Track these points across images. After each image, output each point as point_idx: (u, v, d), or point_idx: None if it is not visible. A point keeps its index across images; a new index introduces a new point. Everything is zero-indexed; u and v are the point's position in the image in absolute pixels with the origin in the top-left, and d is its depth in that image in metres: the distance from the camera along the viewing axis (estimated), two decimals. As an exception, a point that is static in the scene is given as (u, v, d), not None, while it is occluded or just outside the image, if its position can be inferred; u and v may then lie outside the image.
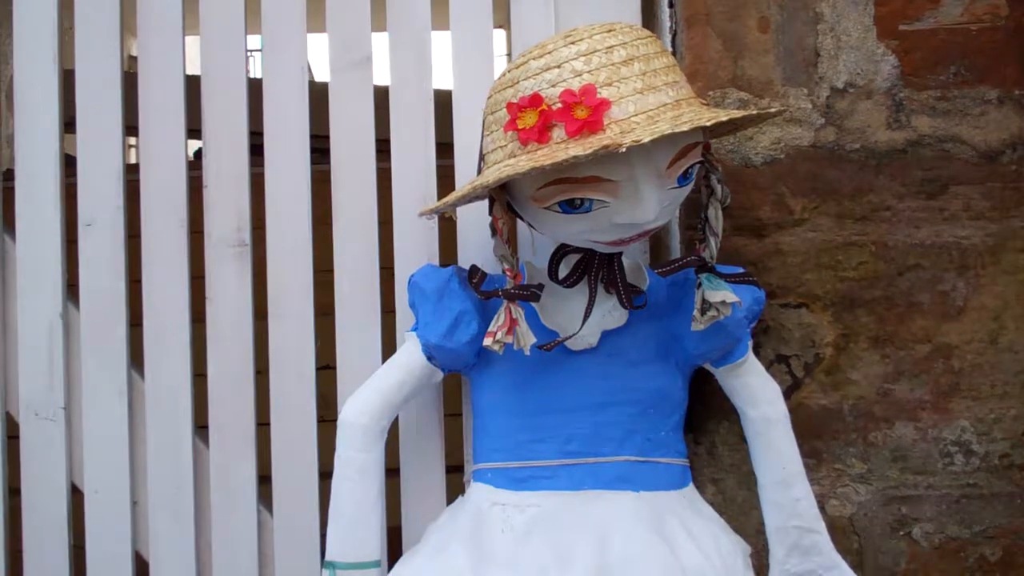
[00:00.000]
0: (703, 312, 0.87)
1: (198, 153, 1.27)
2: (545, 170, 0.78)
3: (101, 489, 1.13)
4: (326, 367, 1.11)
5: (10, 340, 1.15)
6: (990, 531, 1.05)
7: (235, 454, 1.12)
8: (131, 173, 1.14)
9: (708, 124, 0.79)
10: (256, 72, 1.43)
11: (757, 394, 0.97)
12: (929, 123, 1.06)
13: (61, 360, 1.14)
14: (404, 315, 1.08)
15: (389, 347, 1.05)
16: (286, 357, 1.11)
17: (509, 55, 1.12)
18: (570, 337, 0.91)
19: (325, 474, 1.00)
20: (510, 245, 0.89)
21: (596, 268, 0.92)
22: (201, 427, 1.14)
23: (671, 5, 1.10)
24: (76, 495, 1.14)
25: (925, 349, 1.06)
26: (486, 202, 0.94)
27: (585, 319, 0.91)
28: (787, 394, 1.02)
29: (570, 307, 0.94)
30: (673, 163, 0.82)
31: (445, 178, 1.10)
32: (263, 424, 1.12)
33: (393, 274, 1.10)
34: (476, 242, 1.08)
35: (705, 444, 1.07)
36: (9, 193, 1.15)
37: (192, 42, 1.13)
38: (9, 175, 1.18)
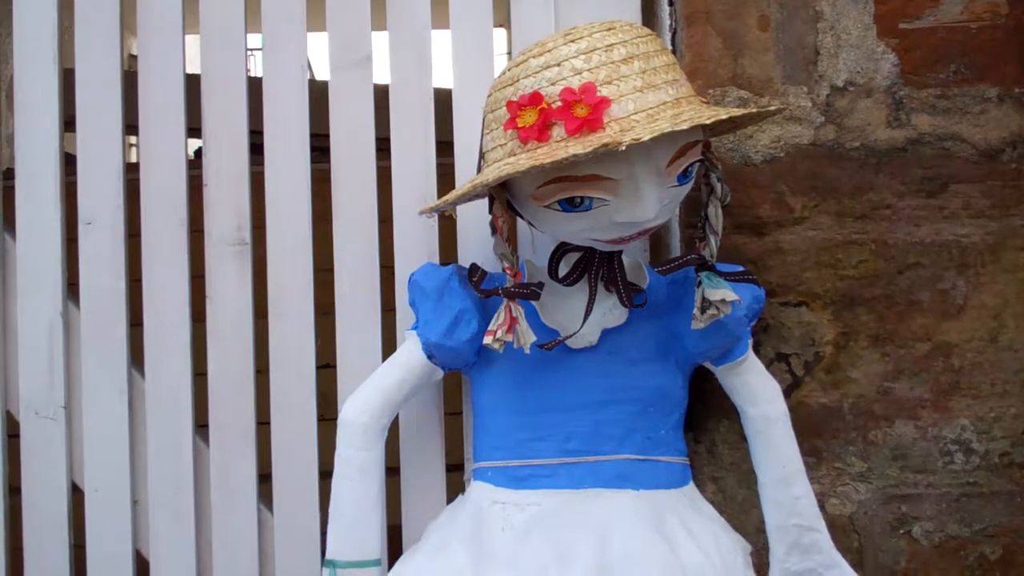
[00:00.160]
0: (703, 310, 0.87)
1: (198, 152, 1.27)
2: (545, 168, 0.78)
3: (101, 488, 1.13)
4: (326, 366, 1.11)
5: (10, 339, 1.15)
6: (990, 529, 1.05)
7: (235, 453, 1.12)
8: (131, 172, 1.14)
9: (708, 122, 0.79)
10: (256, 71, 1.43)
11: (757, 392, 0.97)
12: (929, 121, 1.06)
13: (61, 359, 1.14)
14: (404, 314, 1.08)
15: (389, 346, 1.05)
16: (286, 356, 1.11)
17: (509, 54, 1.11)
18: (571, 336, 0.91)
19: (325, 473, 1.00)
20: (510, 243, 0.89)
21: (596, 266, 0.92)
22: (201, 426, 1.14)
23: (671, 3, 1.10)
24: (76, 494, 1.15)
25: (925, 347, 1.06)
26: (486, 200, 0.94)
27: (586, 318, 0.91)
28: (787, 392, 1.02)
29: (570, 306, 0.94)
30: (673, 161, 0.82)
31: (445, 177, 1.10)
32: (263, 423, 1.12)
33: (393, 273, 1.10)
34: (476, 241, 1.08)
35: (705, 442, 1.07)
36: (9, 192, 1.15)
37: (192, 41, 1.13)
38: (9, 174, 1.18)
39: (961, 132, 1.05)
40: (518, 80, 0.82)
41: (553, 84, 0.80)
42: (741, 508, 1.05)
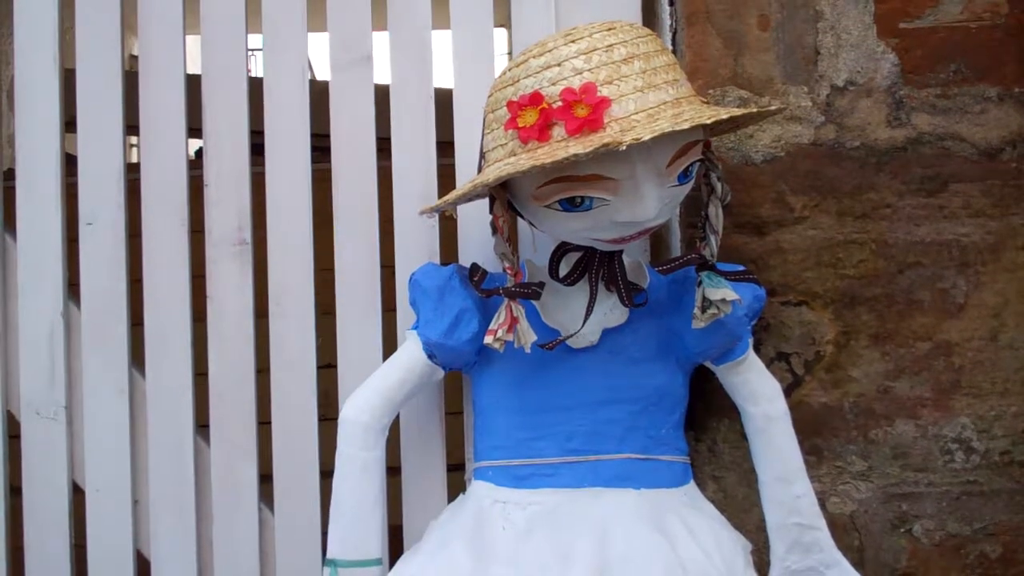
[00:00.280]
0: (704, 310, 0.87)
1: (198, 152, 1.27)
2: (545, 168, 0.78)
3: (102, 488, 1.13)
4: (327, 366, 1.12)
5: (11, 339, 1.16)
6: (990, 528, 1.05)
7: (236, 453, 1.12)
8: (132, 172, 1.14)
9: (708, 122, 0.79)
10: (257, 71, 1.43)
11: (757, 391, 0.97)
12: (929, 121, 1.06)
13: (62, 359, 1.14)
14: (405, 314, 1.08)
15: (390, 346, 1.05)
16: (287, 356, 1.12)
17: (510, 54, 1.12)
18: (572, 335, 0.91)
19: (326, 473, 1.00)
20: (511, 243, 0.89)
21: (597, 266, 0.92)
22: (202, 426, 1.14)
23: (671, 3, 1.10)
24: (77, 494, 1.15)
25: (925, 347, 1.06)
26: (487, 200, 0.94)
27: (587, 317, 0.91)
28: (788, 392, 1.02)
29: (571, 305, 0.94)
30: (673, 161, 0.82)
31: (446, 177, 1.10)
32: (264, 423, 1.12)
33: (394, 273, 1.10)
34: (477, 240, 1.08)
35: (706, 441, 1.07)
36: (10, 192, 1.15)
37: (193, 41, 1.13)
38: (10, 174, 1.18)
39: (961, 131, 1.06)
40: (519, 80, 0.82)
41: (554, 84, 0.80)
42: (742, 507, 1.06)
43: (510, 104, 0.82)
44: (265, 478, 1.13)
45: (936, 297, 1.06)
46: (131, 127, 1.15)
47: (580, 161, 0.77)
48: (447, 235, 1.10)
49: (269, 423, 1.12)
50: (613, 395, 0.94)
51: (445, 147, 1.10)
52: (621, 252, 0.92)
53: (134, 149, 2.84)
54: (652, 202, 0.82)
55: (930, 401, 1.06)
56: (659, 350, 0.96)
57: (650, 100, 0.80)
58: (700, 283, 0.88)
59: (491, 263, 0.99)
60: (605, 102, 0.78)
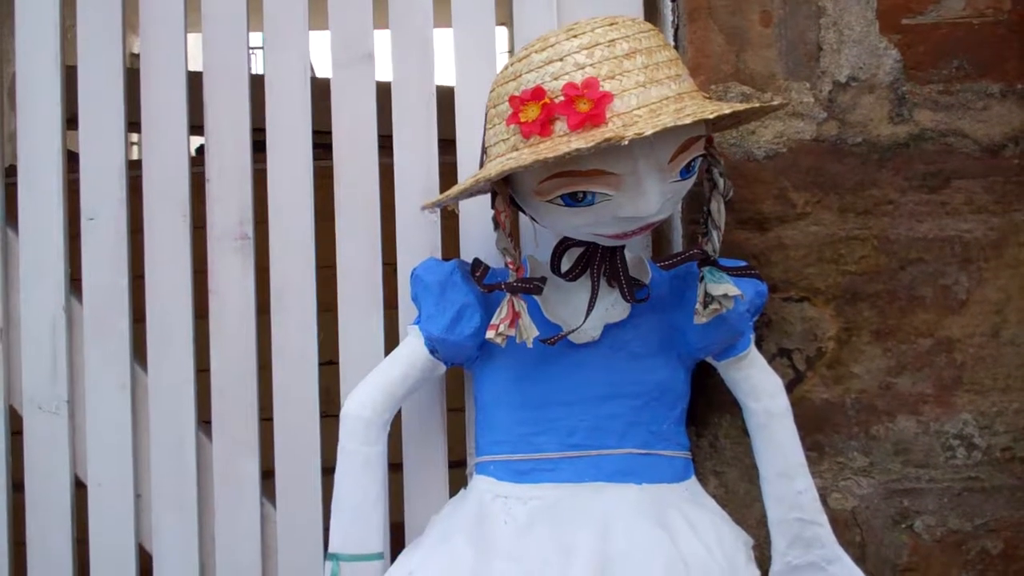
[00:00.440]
0: (705, 306, 0.87)
1: (200, 150, 1.27)
2: (547, 163, 0.78)
3: (105, 482, 1.14)
4: (329, 362, 1.12)
5: (13, 334, 1.16)
6: (992, 524, 1.05)
7: (238, 448, 1.12)
8: (133, 169, 1.15)
9: (710, 117, 0.79)
10: (258, 69, 1.44)
11: (759, 387, 0.97)
12: (931, 117, 1.06)
13: (64, 354, 1.14)
14: (406, 310, 1.08)
15: (392, 341, 1.05)
16: (289, 352, 1.12)
17: (511, 52, 1.12)
18: (573, 331, 0.92)
19: (328, 469, 1.00)
20: (512, 238, 0.89)
21: (598, 261, 0.92)
22: (204, 422, 1.14)
23: (673, -1, 1.10)
24: (79, 488, 1.15)
25: (927, 343, 1.06)
26: (488, 196, 0.94)
27: (588, 313, 0.91)
28: (789, 388, 1.02)
29: (573, 300, 0.94)
30: (675, 156, 0.82)
31: (447, 175, 1.10)
32: (266, 419, 1.13)
33: (395, 270, 1.10)
34: (478, 236, 1.08)
35: (707, 437, 1.07)
36: (12, 189, 1.16)
37: (194, 39, 1.13)
38: (12, 171, 1.18)
39: (963, 128, 1.06)
40: (520, 75, 0.82)
41: (556, 79, 0.80)
42: (743, 502, 1.06)
43: (512, 99, 0.82)
44: (267, 474, 1.13)
45: (938, 293, 1.06)
46: (133, 124, 1.15)
47: (582, 156, 0.77)
48: (449, 232, 1.10)
49: (271, 419, 1.12)
50: (614, 390, 0.94)
51: (446, 145, 1.10)
52: (623, 247, 0.92)
53: (135, 147, 2.85)
54: (654, 197, 0.82)
55: (932, 397, 1.06)
56: (661, 345, 0.96)
57: (652, 95, 0.80)
58: (702, 278, 0.88)
59: (493, 258, 0.99)
60: (607, 97, 0.78)
